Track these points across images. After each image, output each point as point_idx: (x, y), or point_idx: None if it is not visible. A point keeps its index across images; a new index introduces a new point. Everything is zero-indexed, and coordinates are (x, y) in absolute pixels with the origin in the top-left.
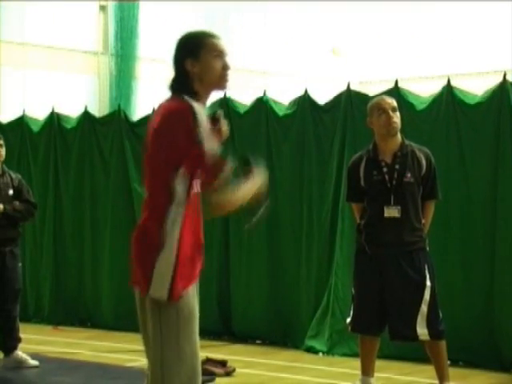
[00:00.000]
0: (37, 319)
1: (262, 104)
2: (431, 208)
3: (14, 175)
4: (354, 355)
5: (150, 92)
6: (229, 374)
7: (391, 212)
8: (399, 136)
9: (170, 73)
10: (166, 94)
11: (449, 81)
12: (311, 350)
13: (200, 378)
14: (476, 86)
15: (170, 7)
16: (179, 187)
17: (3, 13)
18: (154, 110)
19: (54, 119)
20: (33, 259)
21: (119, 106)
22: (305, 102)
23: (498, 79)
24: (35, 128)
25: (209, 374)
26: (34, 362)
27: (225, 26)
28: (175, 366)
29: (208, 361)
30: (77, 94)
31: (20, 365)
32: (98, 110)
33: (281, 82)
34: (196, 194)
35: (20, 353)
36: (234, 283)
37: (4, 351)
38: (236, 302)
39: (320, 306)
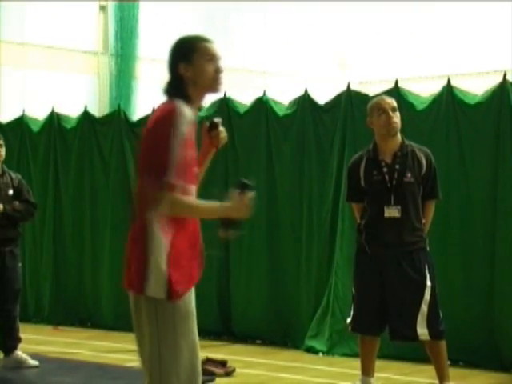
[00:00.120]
0: (37, 319)
1: (261, 104)
2: (431, 208)
3: (13, 175)
4: (353, 355)
5: (150, 92)
6: (229, 374)
7: (391, 212)
8: (399, 136)
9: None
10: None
11: (449, 81)
12: (311, 350)
13: (200, 378)
14: (476, 86)
15: (169, 7)
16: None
17: (3, 13)
18: (153, 110)
19: (54, 119)
20: (33, 259)
21: (119, 105)
22: (305, 102)
23: (498, 79)
24: (35, 128)
25: (209, 374)
26: (34, 362)
27: (225, 26)
28: (173, 363)
29: (208, 361)
30: (77, 94)
31: (20, 365)
32: (98, 110)
33: (281, 82)
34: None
35: (20, 353)
36: (234, 283)
37: (4, 351)
38: (236, 302)
39: (320, 306)
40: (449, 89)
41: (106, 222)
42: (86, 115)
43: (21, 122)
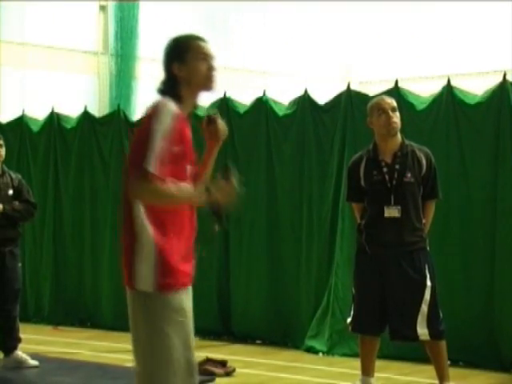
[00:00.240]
0: (37, 319)
1: (261, 104)
2: (432, 208)
3: (13, 175)
4: (354, 355)
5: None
6: (229, 374)
7: (391, 212)
8: (399, 136)
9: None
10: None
11: (449, 81)
12: (311, 350)
13: (196, 373)
14: (476, 86)
15: (169, 7)
16: None
17: (3, 13)
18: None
19: (54, 119)
20: (33, 259)
21: (119, 105)
22: (305, 102)
23: (498, 79)
24: (35, 128)
25: (209, 374)
26: (34, 362)
27: (225, 26)
28: (164, 355)
29: (208, 361)
30: (77, 94)
31: (20, 365)
32: (98, 110)
33: (281, 82)
34: None
35: (20, 353)
36: (234, 283)
37: (4, 351)
38: (236, 301)
39: (320, 306)
40: (449, 89)
41: (105, 222)
42: (85, 115)
43: (21, 122)
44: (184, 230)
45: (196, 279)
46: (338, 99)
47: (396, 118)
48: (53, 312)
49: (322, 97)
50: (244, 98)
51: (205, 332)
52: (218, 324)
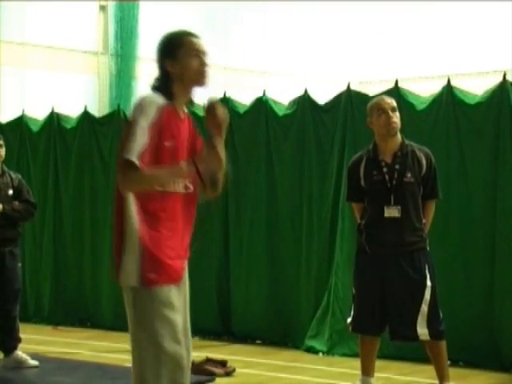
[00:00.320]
0: (37, 319)
1: (261, 104)
2: (432, 208)
3: (13, 175)
4: (354, 355)
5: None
6: (229, 374)
7: (391, 212)
8: (399, 136)
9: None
10: None
11: (449, 81)
12: (311, 350)
13: (186, 366)
14: (476, 86)
15: (169, 7)
16: None
17: (3, 13)
18: None
19: (54, 119)
20: (33, 259)
21: (119, 105)
22: (305, 102)
23: (498, 79)
24: (35, 128)
25: (209, 374)
26: (34, 362)
27: (225, 26)
28: (152, 347)
29: (208, 361)
30: (76, 94)
31: (20, 365)
32: (98, 110)
33: (281, 82)
34: (167, 193)
35: (20, 353)
36: (234, 283)
37: (4, 351)
38: (236, 302)
39: (320, 306)
40: (449, 89)
41: (105, 222)
42: (85, 115)
43: (20, 122)
44: (176, 227)
45: (196, 279)
46: (337, 99)
47: (396, 118)
48: (53, 312)
49: (321, 97)
50: (244, 98)
51: (205, 332)
52: (218, 324)
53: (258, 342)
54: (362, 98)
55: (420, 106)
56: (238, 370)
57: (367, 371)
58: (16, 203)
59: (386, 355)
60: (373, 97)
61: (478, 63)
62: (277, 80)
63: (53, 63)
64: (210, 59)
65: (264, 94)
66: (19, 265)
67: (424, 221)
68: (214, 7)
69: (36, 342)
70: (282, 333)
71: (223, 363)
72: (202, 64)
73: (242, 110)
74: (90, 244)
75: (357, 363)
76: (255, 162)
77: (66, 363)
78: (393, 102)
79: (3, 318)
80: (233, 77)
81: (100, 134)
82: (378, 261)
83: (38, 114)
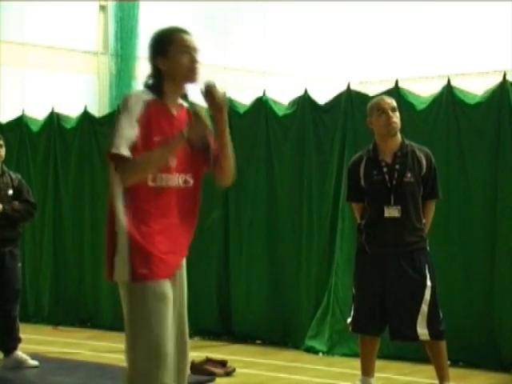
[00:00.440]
0: (37, 319)
1: (261, 104)
2: (432, 208)
3: (13, 175)
4: (354, 355)
5: None
6: (229, 374)
7: (391, 212)
8: (399, 136)
9: None
10: None
11: (449, 81)
12: (311, 350)
13: (165, 363)
14: (476, 86)
15: (169, 7)
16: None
17: (3, 13)
18: None
19: (54, 119)
20: (33, 259)
21: (119, 105)
22: (305, 102)
23: (498, 79)
24: (35, 128)
25: (209, 374)
26: (34, 362)
27: (225, 26)
28: (139, 340)
29: (208, 361)
30: (76, 94)
31: (20, 365)
32: (98, 109)
33: (281, 82)
34: (156, 188)
35: (20, 353)
36: (234, 283)
37: (4, 351)
38: (236, 301)
39: (320, 306)
40: (449, 89)
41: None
42: (85, 115)
43: (20, 122)
44: (169, 222)
45: (196, 279)
46: (337, 99)
47: (396, 118)
48: (53, 312)
49: (321, 97)
50: (244, 98)
51: (205, 332)
52: (218, 324)
53: (258, 342)
54: (362, 98)
55: (420, 106)
56: (237, 370)
57: (367, 371)
58: (16, 203)
59: (386, 355)
60: (373, 97)
61: (478, 63)
62: (277, 80)
63: (53, 63)
64: (201, 55)
65: (264, 94)
66: (19, 265)
67: (424, 221)
68: (213, 7)
69: (36, 342)
70: (281, 333)
71: (223, 363)
72: (193, 61)
73: (241, 110)
74: (90, 244)
75: (357, 363)
76: (255, 162)
77: (65, 363)
78: (393, 102)
79: (3, 318)
80: (233, 77)
81: (100, 134)
82: (378, 261)
83: (37, 114)
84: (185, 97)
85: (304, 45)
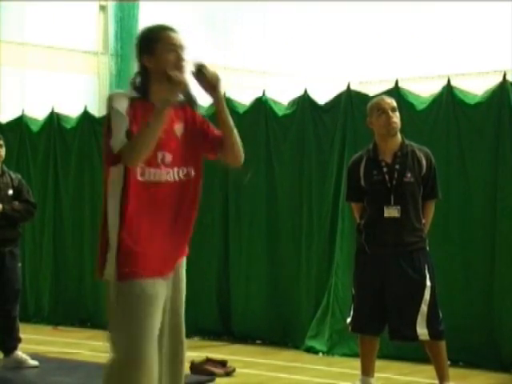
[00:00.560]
0: (37, 319)
1: (261, 104)
2: (431, 208)
3: (13, 175)
4: (354, 355)
5: None
6: (229, 374)
7: (391, 212)
8: (399, 136)
9: None
10: None
11: (449, 81)
12: (311, 350)
13: (144, 365)
14: (476, 86)
15: (169, 7)
16: (114, 176)
17: (3, 13)
18: None
19: (54, 119)
20: (33, 259)
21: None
22: (304, 102)
23: (498, 79)
24: (35, 128)
25: (209, 374)
26: (34, 362)
27: (225, 26)
28: (119, 339)
29: (208, 361)
30: (77, 93)
31: (20, 365)
32: (98, 109)
33: (281, 82)
34: (144, 183)
35: (20, 353)
36: (234, 283)
37: (4, 351)
38: (236, 301)
39: (320, 306)
40: (449, 89)
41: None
42: (85, 115)
43: (20, 122)
44: (162, 219)
45: (196, 279)
46: (337, 99)
47: (396, 118)
48: (53, 312)
49: (321, 97)
50: (244, 98)
51: (205, 332)
52: (218, 324)
53: (258, 342)
54: (362, 98)
55: (420, 106)
56: (237, 370)
57: (367, 371)
58: (16, 203)
59: (386, 355)
60: (373, 97)
61: (478, 63)
62: (277, 80)
63: (53, 63)
64: (187, 53)
65: (264, 94)
66: (19, 265)
67: (423, 221)
68: (213, 7)
69: (36, 342)
70: (281, 333)
71: (223, 363)
72: (179, 58)
73: (241, 110)
74: (90, 244)
75: (357, 363)
76: (255, 162)
77: (65, 363)
78: (393, 102)
79: (3, 318)
80: (233, 77)
81: (100, 134)
82: (378, 261)
83: (37, 114)
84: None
85: (304, 45)
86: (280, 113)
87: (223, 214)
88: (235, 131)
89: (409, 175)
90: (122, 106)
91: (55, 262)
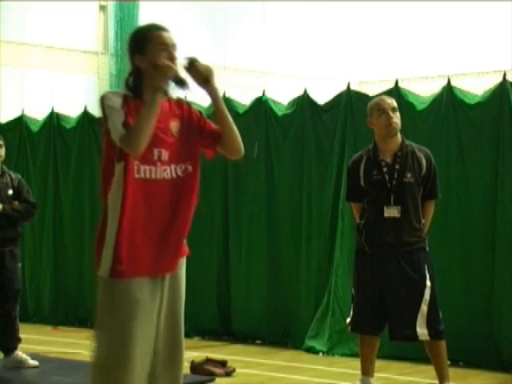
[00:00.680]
0: (37, 319)
1: (261, 104)
2: (431, 208)
3: (13, 175)
4: (354, 355)
5: None
6: (229, 374)
7: (391, 212)
8: (399, 136)
9: None
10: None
11: (449, 81)
12: (311, 350)
13: (128, 364)
14: (476, 86)
15: (169, 7)
16: (116, 172)
17: (3, 13)
18: None
19: (54, 119)
20: (33, 259)
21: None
22: (304, 102)
23: (498, 79)
24: (34, 128)
25: (209, 374)
26: (34, 362)
27: (225, 26)
28: (102, 339)
29: (208, 361)
30: (76, 93)
31: (20, 365)
32: (98, 110)
33: (281, 82)
34: (141, 181)
35: (20, 353)
36: (234, 283)
37: (4, 351)
38: (236, 302)
39: (320, 306)
40: (449, 89)
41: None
42: (85, 115)
43: (20, 122)
44: (156, 218)
45: (196, 279)
46: (337, 99)
47: (396, 118)
48: (53, 312)
49: (321, 97)
50: (244, 98)
51: (205, 332)
52: (218, 324)
53: (258, 342)
54: (362, 98)
55: (420, 106)
56: (238, 370)
57: (367, 371)
58: (16, 203)
59: (386, 355)
60: (373, 97)
61: (478, 63)
62: (277, 80)
63: (52, 63)
64: (178, 52)
65: (264, 94)
66: (19, 265)
67: (423, 221)
68: (213, 7)
69: (36, 342)
70: (281, 333)
71: (223, 363)
72: (171, 58)
73: (241, 110)
74: (90, 244)
75: (357, 363)
76: (255, 162)
77: (65, 363)
78: (393, 103)
79: (3, 318)
80: (233, 77)
81: (100, 134)
82: (378, 261)
83: (37, 113)
84: (165, 93)
85: (304, 45)
86: (280, 113)
87: (223, 213)
88: (232, 123)
89: (409, 175)
90: (116, 102)
91: (55, 262)
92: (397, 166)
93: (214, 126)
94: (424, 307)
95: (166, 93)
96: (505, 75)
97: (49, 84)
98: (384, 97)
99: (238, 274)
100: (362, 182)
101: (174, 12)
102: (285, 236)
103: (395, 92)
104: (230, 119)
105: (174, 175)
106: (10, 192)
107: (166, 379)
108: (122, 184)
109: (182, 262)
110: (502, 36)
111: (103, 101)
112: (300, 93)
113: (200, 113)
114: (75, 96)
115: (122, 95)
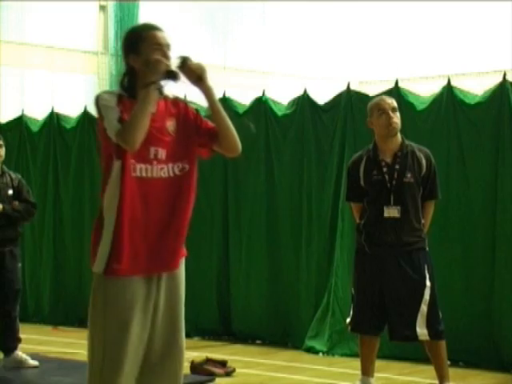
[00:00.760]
0: (37, 319)
1: (261, 104)
2: (431, 208)
3: (13, 175)
4: (354, 355)
5: None
6: (229, 374)
7: (391, 212)
8: (399, 136)
9: None
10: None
11: (449, 81)
12: (311, 350)
13: (120, 364)
14: (476, 86)
15: (169, 7)
16: (113, 171)
17: (3, 13)
18: None
19: (54, 119)
20: (33, 259)
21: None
22: (304, 102)
23: (498, 79)
24: (34, 128)
25: (209, 374)
26: (34, 362)
27: (225, 26)
28: (96, 339)
29: (208, 361)
30: (76, 93)
31: (20, 365)
32: (94, 110)
33: (281, 82)
34: (138, 179)
35: (20, 353)
36: (234, 283)
37: (4, 351)
38: (236, 302)
39: (320, 306)
40: (449, 89)
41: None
42: (85, 115)
43: (20, 122)
44: (152, 217)
45: (196, 279)
46: (337, 99)
47: (396, 118)
48: (53, 312)
49: (321, 97)
50: (244, 98)
51: (205, 332)
52: (218, 324)
53: (258, 342)
54: (362, 98)
55: (420, 106)
56: (238, 370)
57: (367, 371)
58: (16, 203)
59: (386, 355)
60: (373, 97)
61: (478, 63)
62: (277, 80)
63: (52, 63)
64: (172, 52)
65: (263, 94)
66: (19, 265)
67: (423, 221)
68: (214, 7)
69: (36, 342)
70: (281, 333)
71: (223, 363)
72: (165, 57)
73: (241, 110)
74: (90, 244)
75: (357, 363)
76: (255, 162)
77: (65, 363)
78: (393, 103)
79: (3, 318)
80: (233, 77)
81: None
82: (377, 261)
83: (37, 113)
84: (160, 92)
85: (304, 44)
86: (280, 113)
87: (223, 213)
88: (228, 120)
89: (409, 175)
90: (111, 101)
91: (55, 262)
92: (397, 166)
93: (210, 124)
94: (424, 307)
95: (161, 92)
96: (505, 75)
97: (49, 84)
98: (384, 97)
99: (237, 274)
100: (361, 182)
101: (173, 12)
102: (285, 236)
103: (395, 92)
104: (226, 117)
105: (171, 174)
106: (10, 192)
107: (165, 379)
108: (119, 182)
109: (181, 262)
110: (502, 36)
111: (98, 101)
112: (300, 93)
113: (196, 111)
114: (75, 96)
115: (117, 95)
